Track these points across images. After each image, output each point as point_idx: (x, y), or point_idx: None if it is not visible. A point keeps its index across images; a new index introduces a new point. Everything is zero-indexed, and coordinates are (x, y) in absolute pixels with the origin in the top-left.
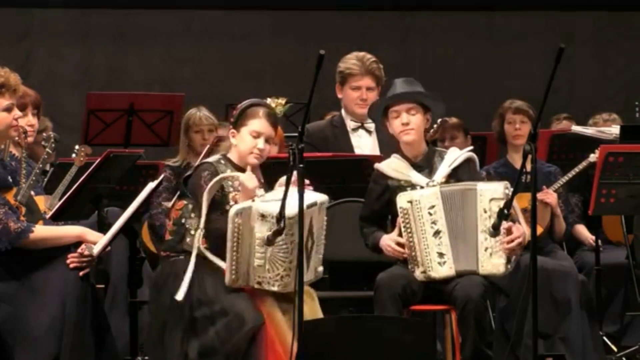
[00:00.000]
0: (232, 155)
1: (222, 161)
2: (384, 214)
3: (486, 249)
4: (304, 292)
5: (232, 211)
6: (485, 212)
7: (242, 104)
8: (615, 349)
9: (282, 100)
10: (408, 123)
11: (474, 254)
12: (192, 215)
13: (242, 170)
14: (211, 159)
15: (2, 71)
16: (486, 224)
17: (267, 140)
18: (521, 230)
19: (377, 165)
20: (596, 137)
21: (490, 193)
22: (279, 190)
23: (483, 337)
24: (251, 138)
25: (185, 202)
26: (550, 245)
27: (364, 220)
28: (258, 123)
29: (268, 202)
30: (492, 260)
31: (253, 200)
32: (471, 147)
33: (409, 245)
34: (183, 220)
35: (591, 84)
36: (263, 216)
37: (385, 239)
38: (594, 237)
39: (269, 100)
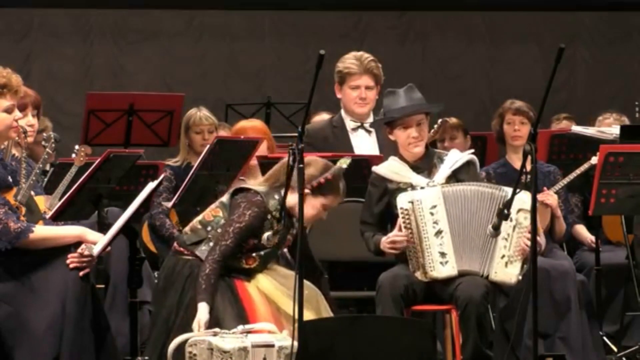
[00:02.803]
0: (291, 200)
1: (276, 196)
2: (384, 217)
3: (503, 257)
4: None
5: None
6: (511, 220)
7: (331, 175)
8: (615, 349)
9: (345, 160)
10: (418, 136)
11: (483, 256)
12: (219, 230)
13: (290, 214)
14: (264, 191)
15: (4, 72)
16: (509, 232)
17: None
18: (541, 241)
19: (374, 169)
20: (596, 137)
21: (520, 203)
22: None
23: (484, 337)
24: (321, 210)
25: (220, 213)
26: (550, 245)
27: (364, 224)
28: (335, 200)
29: (225, 339)
30: (507, 270)
31: (214, 335)
32: (472, 150)
33: (410, 246)
34: (209, 228)
35: (591, 84)
36: (223, 352)
37: (385, 240)
38: (593, 238)
39: (338, 164)
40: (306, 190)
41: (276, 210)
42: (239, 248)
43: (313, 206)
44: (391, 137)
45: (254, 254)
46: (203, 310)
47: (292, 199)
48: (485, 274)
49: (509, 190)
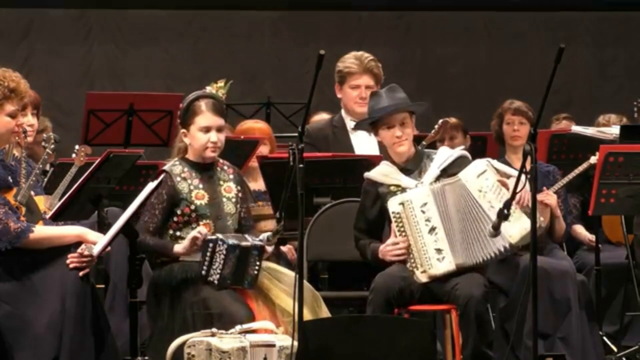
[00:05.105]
0: (190, 155)
1: (177, 162)
2: (379, 223)
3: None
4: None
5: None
6: (481, 190)
7: (184, 102)
8: (615, 349)
9: (221, 83)
10: (401, 135)
11: (483, 243)
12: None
13: (202, 166)
14: (167, 166)
15: (14, 76)
16: (490, 200)
17: (219, 130)
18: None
19: (366, 174)
20: (596, 137)
21: (473, 173)
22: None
23: (484, 337)
24: (202, 134)
25: None
26: (550, 245)
27: (358, 230)
28: (204, 118)
29: (223, 339)
30: (517, 224)
31: (212, 335)
32: (462, 147)
33: (406, 248)
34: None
35: (591, 84)
36: (221, 352)
37: (383, 247)
38: (592, 236)
39: (208, 89)
40: (183, 131)
41: (184, 172)
42: (188, 224)
43: (194, 137)
44: (378, 139)
45: (205, 220)
46: (180, 245)
47: (193, 141)
48: (505, 248)
49: (459, 174)
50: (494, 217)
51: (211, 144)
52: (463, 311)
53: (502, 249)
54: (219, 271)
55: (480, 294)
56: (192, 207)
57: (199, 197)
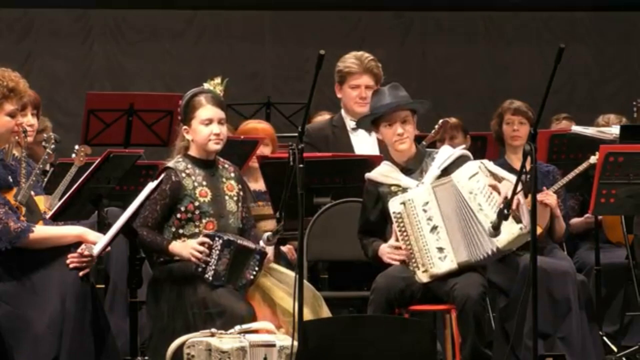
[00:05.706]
0: (192, 151)
1: (180, 159)
2: (381, 224)
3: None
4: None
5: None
6: (471, 192)
7: (183, 99)
8: (615, 349)
9: (217, 80)
10: (403, 133)
11: (476, 240)
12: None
13: (205, 163)
14: (170, 163)
15: (13, 75)
16: (479, 202)
17: (220, 123)
18: (507, 185)
19: (367, 175)
20: (596, 137)
21: (465, 175)
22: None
23: (482, 337)
24: (204, 127)
25: None
26: (550, 245)
27: (362, 232)
28: (205, 111)
29: (223, 340)
30: (506, 229)
31: (212, 335)
32: (463, 146)
33: (407, 248)
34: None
35: (591, 84)
36: (221, 352)
37: (384, 247)
38: (588, 215)
39: (206, 86)
40: (185, 128)
41: (188, 168)
42: (191, 221)
43: (196, 131)
44: (379, 137)
45: (208, 218)
46: (180, 245)
47: (196, 135)
48: (492, 252)
49: (452, 175)
50: (482, 219)
51: (214, 136)
52: (461, 311)
53: (490, 252)
54: (213, 267)
55: (478, 295)
56: (196, 203)
57: (203, 194)
